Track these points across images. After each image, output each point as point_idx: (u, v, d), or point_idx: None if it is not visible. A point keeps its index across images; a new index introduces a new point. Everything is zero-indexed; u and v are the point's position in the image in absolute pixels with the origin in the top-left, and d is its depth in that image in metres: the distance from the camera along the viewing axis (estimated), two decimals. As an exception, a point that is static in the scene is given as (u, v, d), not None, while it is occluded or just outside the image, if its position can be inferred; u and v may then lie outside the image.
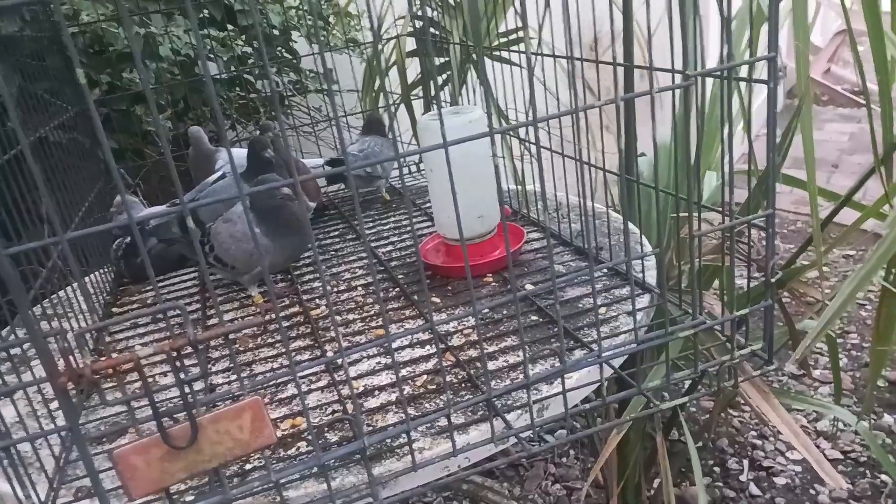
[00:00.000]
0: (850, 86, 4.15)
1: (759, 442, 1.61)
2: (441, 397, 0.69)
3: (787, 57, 3.37)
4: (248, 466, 0.63)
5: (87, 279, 1.11)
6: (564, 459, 1.64)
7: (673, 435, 1.51)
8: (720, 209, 0.69)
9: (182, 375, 0.44)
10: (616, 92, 0.54)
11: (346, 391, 0.72)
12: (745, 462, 1.55)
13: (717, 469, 1.53)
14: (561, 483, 1.55)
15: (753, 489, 1.47)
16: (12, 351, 0.77)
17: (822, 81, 4.19)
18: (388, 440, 0.62)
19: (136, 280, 1.11)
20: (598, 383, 0.65)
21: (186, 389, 0.44)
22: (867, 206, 1.00)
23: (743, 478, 1.50)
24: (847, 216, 1.02)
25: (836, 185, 0.99)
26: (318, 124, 1.63)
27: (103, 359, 0.41)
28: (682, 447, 1.47)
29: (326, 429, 0.66)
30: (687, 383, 1.29)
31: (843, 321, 1.98)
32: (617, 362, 0.69)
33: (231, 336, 0.74)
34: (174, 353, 0.43)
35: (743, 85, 0.81)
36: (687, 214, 0.77)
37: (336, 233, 1.24)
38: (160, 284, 1.11)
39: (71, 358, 0.43)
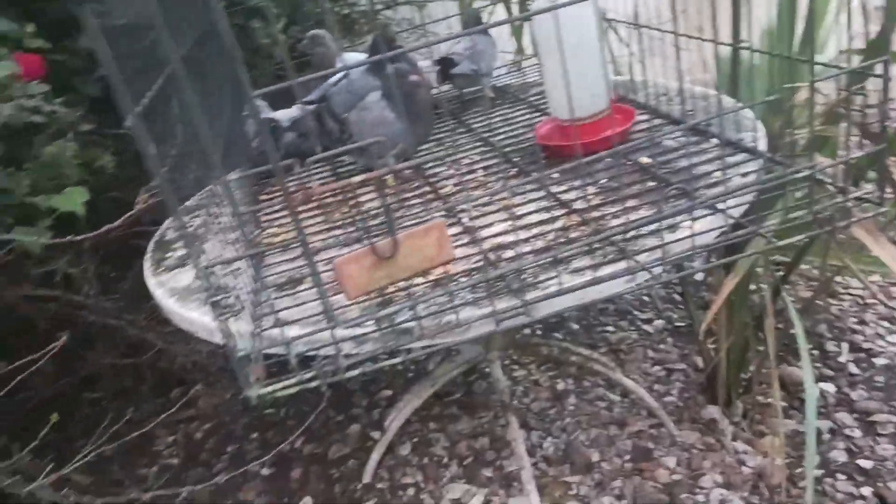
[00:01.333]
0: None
1: (858, 327, 1.64)
2: (570, 247, 0.78)
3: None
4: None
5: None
6: (663, 346, 1.73)
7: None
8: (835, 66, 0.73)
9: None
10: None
11: (485, 246, 0.82)
12: (845, 345, 1.59)
13: (815, 351, 1.58)
14: (661, 365, 1.64)
15: (853, 368, 1.51)
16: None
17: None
18: (530, 278, 0.72)
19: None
20: (722, 228, 0.73)
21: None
22: None
23: (842, 359, 1.55)
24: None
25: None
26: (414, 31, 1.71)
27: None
28: (780, 333, 1.52)
29: (475, 273, 0.77)
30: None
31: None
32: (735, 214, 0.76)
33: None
34: (381, 181, 0.54)
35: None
36: (798, 85, 0.81)
37: (448, 128, 1.33)
38: (299, 174, 1.24)
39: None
